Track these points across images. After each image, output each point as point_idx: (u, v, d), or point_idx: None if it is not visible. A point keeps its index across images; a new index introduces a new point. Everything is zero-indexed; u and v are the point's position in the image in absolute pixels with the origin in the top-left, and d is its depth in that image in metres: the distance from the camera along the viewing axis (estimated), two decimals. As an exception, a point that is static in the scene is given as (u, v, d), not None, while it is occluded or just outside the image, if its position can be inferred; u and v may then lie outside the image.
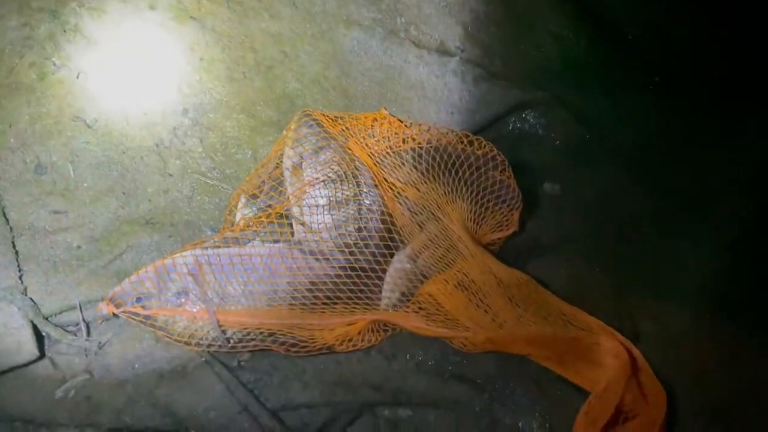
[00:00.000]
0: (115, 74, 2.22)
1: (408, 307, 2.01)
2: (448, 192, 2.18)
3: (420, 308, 2.01)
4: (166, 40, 2.28)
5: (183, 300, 1.88)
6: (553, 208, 2.47)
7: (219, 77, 2.31)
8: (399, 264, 2.07)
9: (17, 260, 1.95)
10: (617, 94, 2.62)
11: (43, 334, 1.91)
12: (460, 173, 2.17)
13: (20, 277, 1.93)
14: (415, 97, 2.45)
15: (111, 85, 2.21)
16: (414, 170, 2.16)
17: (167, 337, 1.87)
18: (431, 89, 2.47)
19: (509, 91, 2.52)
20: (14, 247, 1.97)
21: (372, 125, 2.18)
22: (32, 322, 1.87)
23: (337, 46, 2.45)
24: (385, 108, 2.31)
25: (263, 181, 2.13)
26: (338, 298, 1.99)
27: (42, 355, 1.88)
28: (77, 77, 2.20)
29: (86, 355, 1.90)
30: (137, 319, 1.87)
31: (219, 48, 2.33)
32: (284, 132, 2.17)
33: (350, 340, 1.91)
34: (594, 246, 2.38)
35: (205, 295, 1.88)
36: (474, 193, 2.20)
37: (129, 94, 2.22)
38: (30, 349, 1.85)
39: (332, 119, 2.17)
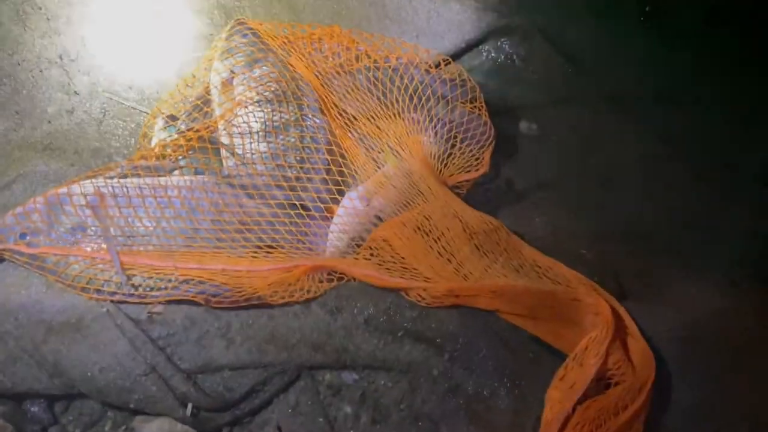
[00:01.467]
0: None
1: (358, 253, 1.70)
2: (409, 122, 1.86)
3: (372, 255, 1.71)
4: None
5: (79, 237, 1.53)
6: (529, 149, 2.18)
7: (139, -22, 1.94)
8: (349, 204, 1.75)
9: None
10: (605, 24, 2.31)
11: None
12: (423, 100, 1.85)
13: None
14: (374, 16, 2.12)
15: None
16: (369, 95, 1.83)
17: (59, 281, 1.53)
18: (393, 7, 2.14)
19: (483, 15, 2.20)
20: None
21: (320, 40, 1.83)
22: None
23: (285, -49, 2.10)
24: (338, 27, 1.96)
25: (187, 101, 1.77)
26: (274, 241, 1.66)
27: None
28: None
29: (-41, 304, 1.54)
30: (21, 259, 1.52)
31: (142, -56, 1.96)
32: (213, 43, 1.82)
33: (286, 290, 1.59)
34: (573, 192, 2.11)
35: (107, 231, 1.54)
36: (439, 126, 1.88)
37: (26, -7, 1.84)
38: None
39: (273, 31, 1.81)
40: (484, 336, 1.69)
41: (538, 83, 2.25)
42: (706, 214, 2.05)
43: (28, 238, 1.52)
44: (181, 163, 1.66)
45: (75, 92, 1.81)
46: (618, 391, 1.59)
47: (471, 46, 2.20)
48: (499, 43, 2.24)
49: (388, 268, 1.69)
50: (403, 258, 1.71)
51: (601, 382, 1.61)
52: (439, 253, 1.74)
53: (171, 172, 1.65)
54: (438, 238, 1.75)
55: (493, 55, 2.24)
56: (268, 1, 2.04)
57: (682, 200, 2.10)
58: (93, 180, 1.57)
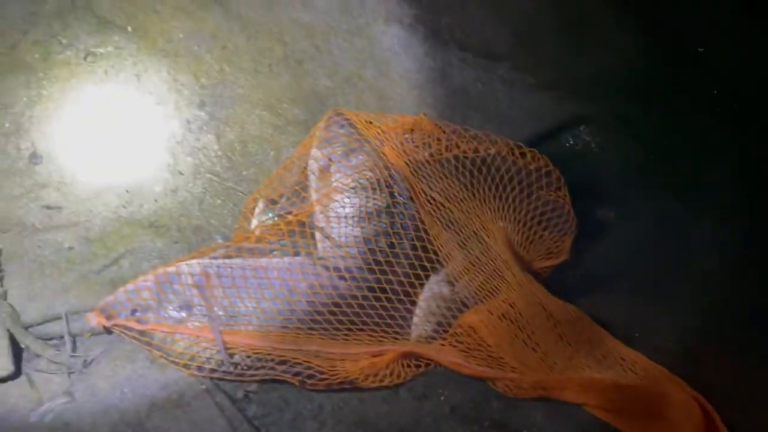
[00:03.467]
0: (126, 58, 2.00)
1: (444, 339, 1.73)
2: (494, 210, 1.91)
3: (458, 342, 1.73)
4: (186, 25, 2.06)
5: (185, 315, 1.61)
6: (607, 237, 2.18)
7: (242, 69, 2.08)
8: (436, 288, 1.80)
9: (-1, 259, 1.70)
10: (684, 116, 2.34)
11: (21, 346, 1.64)
12: (509, 189, 1.91)
13: (0, 279, 1.67)
14: (458, 104, 2.21)
15: (122, 70, 1.99)
16: (456, 183, 1.89)
17: (164, 358, 1.60)
18: (476, 96, 2.23)
19: (562, 104, 2.27)
20: (-3, 243, 1.72)
21: (411, 130, 1.92)
22: (9, 331, 1.61)
23: (375, 44, 2.23)
24: (425, 113, 2.06)
25: (285, 185, 1.87)
26: (364, 323, 1.71)
27: (18, 371, 1.61)
28: (84, 59, 1.98)
29: (69, 374, 1.63)
30: (131, 334, 1.60)
31: (244, 37, 2.12)
32: (312, 131, 1.92)
33: (376, 375, 1.63)
34: (654, 283, 2.08)
35: (212, 311, 1.61)
36: (523, 213, 1.92)
37: (141, 81, 1.99)
38: (4, 363, 1.58)
39: (367, 120, 1.91)
40: (571, 430, 1.68)
41: (616, 171, 2.27)
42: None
43: (138, 314, 1.60)
44: (280, 245, 1.74)
45: (179, 172, 1.93)
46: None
47: (550, 134, 2.25)
48: (577, 131, 2.29)
49: (474, 356, 1.72)
50: (489, 346, 1.73)
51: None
52: (524, 342, 1.75)
53: (270, 253, 1.73)
54: (523, 327, 1.77)
55: (571, 142, 2.29)
56: (358, 89, 2.15)
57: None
58: (199, 260, 1.66)
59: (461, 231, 1.87)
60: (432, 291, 1.80)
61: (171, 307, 1.61)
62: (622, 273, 2.13)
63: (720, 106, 2.37)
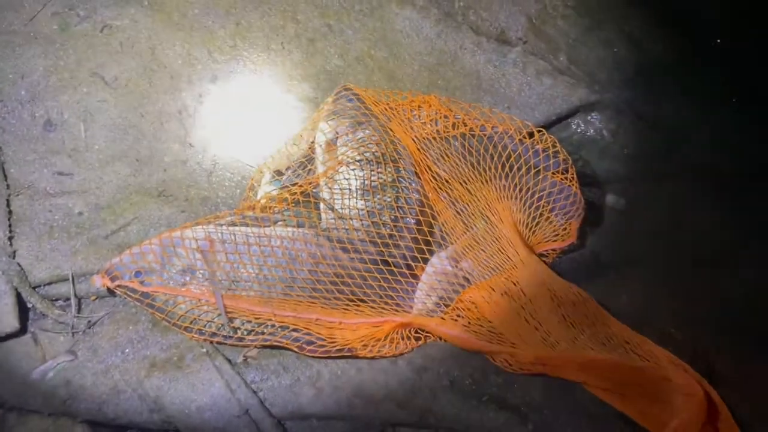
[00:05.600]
0: (142, 31, 2.03)
1: (446, 313, 1.72)
2: (500, 189, 1.90)
3: (458, 316, 1.72)
4: (201, 0, 2.09)
5: (188, 279, 1.63)
6: (617, 223, 2.17)
7: (255, 45, 2.10)
8: (439, 264, 1.80)
9: (9, 220, 1.73)
10: (698, 105, 2.31)
11: (28, 305, 1.67)
12: (515, 168, 1.90)
13: (9, 239, 1.71)
14: (469, 87, 2.20)
15: (136, 42, 2.02)
16: (462, 160, 1.89)
17: (166, 320, 1.62)
18: (487, 79, 2.22)
19: (574, 90, 2.25)
20: (8, 205, 1.76)
21: (419, 107, 1.92)
22: (16, 289, 1.65)
23: (387, 25, 2.23)
24: (435, 96, 2.06)
25: (292, 158, 1.89)
26: (366, 295, 1.71)
27: (23, 328, 1.65)
28: (101, 31, 2.01)
29: (72, 334, 1.66)
30: (134, 296, 1.63)
31: (258, 14, 2.13)
32: (321, 106, 1.94)
33: (375, 345, 1.63)
34: (662, 270, 2.07)
35: (214, 275, 1.63)
36: (530, 194, 1.91)
37: (155, 54, 2.02)
38: (10, 320, 1.62)
39: (375, 97, 1.92)
40: (570, 408, 1.67)
41: (626, 158, 2.26)
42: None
43: (141, 276, 1.62)
44: (284, 215, 1.75)
45: (190, 144, 1.96)
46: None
47: (561, 119, 2.24)
48: (589, 117, 2.28)
49: (475, 331, 1.71)
50: (490, 322, 1.72)
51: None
52: (525, 320, 1.74)
53: (274, 223, 1.74)
54: (525, 305, 1.75)
55: (582, 128, 2.28)
56: (369, 69, 2.16)
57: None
58: (204, 226, 1.68)
59: (466, 208, 1.87)
60: (435, 266, 1.80)
61: (174, 270, 1.63)
62: (631, 261, 2.11)
63: (735, 95, 2.34)
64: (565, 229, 1.98)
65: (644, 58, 2.35)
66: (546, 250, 1.97)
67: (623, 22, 2.39)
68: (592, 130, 2.28)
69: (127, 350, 1.62)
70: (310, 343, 1.60)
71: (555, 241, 1.97)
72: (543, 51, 2.32)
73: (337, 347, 1.61)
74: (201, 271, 1.63)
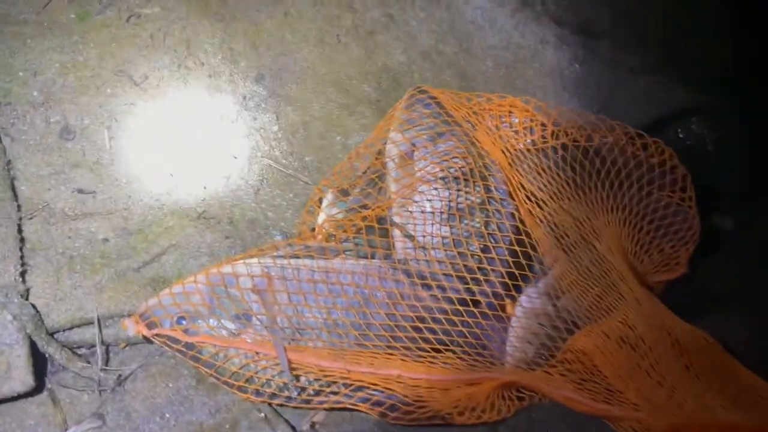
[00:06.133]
0: (175, 21, 1.73)
1: (552, 367, 1.42)
2: (606, 211, 1.60)
3: (568, 370, 1.42)
4: (246, -14, 1.79)
5: (243, 327, 1.32)
6: (725, 247, 1.87)
7: (307, 38, 1.80)
8: (538, 303, 1.49)
9: (21, 250, 1.43)
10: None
11: (45, 356, 1.37)
12: (625, 187, 1.60)
13: (22, 274, 1.40)
14: (551, 87, 1.91)
15: (169, 35, 1.72)
16: (562, 177, 1.59)
17: (214, 377, 1.32)
18: (572, 79, 1.92)
19: (671, 91, 1.95)
20: (20, 231, 1.46)
21: (509, 112, 1.62)
22: (30, 337, 1.34)
23: (456, 16, 1.93)
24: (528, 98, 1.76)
25: (358, 174, 1.58)
26: (453, 343, 1.41)
27: (39, 385, 1.34)
28: (127, 21, 1.71)
29: (99, 392, 1.36)
30: (175, 347, 1.32)
31: (310, 2, 1.84)
32: (390, 112, 1.63)
33: (474, 409, 1.33)
34: (780, 302, 1.76)
35: (275, 322, 1.32)
36: (640, 217, 1.61)
37: (190, 48, 1.72)
38: (23, 375, 1.31)
39: (456, 100, 1.62)
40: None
41: (732, 171, 1.96)
42: None
43: (185, 322, 1.32)
44: (355, 244, 1.45)
45: (233, 156, 1.66)
46: None
47: (659, 123, 1.94)
48: (688, 123, 1.98)
49: (588, 389, 1.41)
50: (606, 377, 1.42)
51: None
52: (647, 372, 1.44)
53: (342, 254, 1.44)
54: (645, 354, 1.45)
55: (681, 135, 1.97)
56: (437, 66, 1.86)
57: None
58: (259, 258, 1.38)
59: (567, 235, 1.57)
60: (532, 306, 1.50)
61: (225, 316, 1.32)
62: (742, 290, 1.82)
63: None
64: (675, 257, 1.68)
65: (751, 53, 2.04)
66: (653, 282, 1.67)
67: (725, 12, 2.08)
68: (692, 138, 1.98)
69: (167, 414, 1.32)
70: (393, 408, 1.30)
71: (665, 271, 1.67)
72: (634, 46, 2.02)
73: (428, 413, 1.30)
74: (258, 317, 1.33)
